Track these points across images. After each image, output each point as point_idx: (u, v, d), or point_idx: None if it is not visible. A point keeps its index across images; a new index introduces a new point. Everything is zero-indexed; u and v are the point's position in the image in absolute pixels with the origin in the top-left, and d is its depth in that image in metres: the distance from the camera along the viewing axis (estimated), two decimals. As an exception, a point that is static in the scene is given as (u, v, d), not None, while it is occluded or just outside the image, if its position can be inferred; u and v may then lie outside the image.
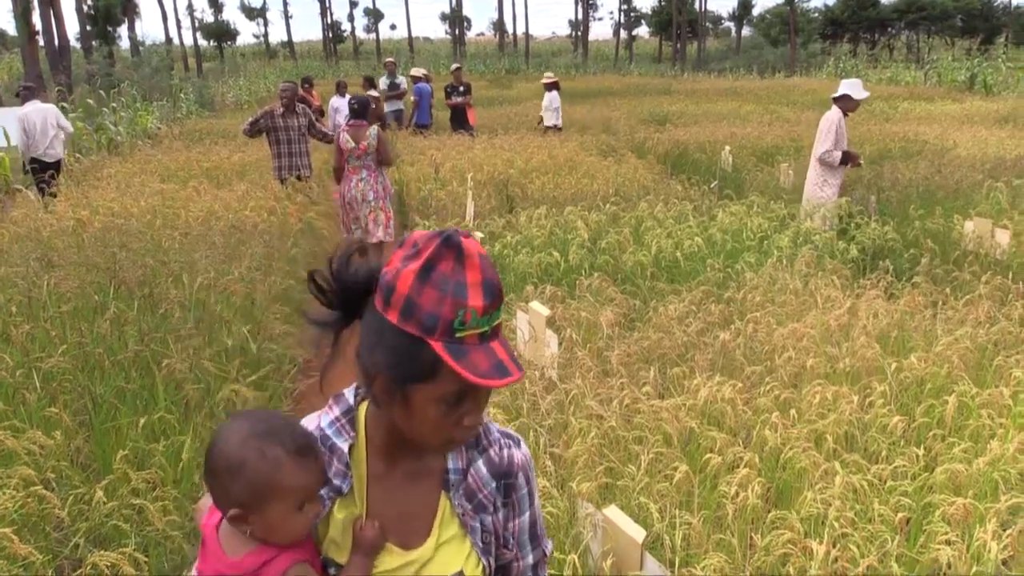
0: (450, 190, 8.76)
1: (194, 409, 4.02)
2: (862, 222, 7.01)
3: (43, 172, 9.79)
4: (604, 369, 3.90)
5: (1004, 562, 2.98)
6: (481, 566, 1.30)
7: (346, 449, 1.26)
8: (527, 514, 1.36)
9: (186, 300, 5.17)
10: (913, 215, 7.31)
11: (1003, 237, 6.44)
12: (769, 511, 2.93)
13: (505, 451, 1.32)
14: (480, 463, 1.30)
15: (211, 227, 7.09)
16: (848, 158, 7.61)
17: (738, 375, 3.88)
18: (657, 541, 2.75)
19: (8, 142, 11.84)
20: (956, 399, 3.73)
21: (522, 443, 1.36)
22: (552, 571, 2.65)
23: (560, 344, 4.11)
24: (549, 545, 1.43)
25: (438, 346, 1.08)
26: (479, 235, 5.94)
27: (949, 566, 2.75)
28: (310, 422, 1.31)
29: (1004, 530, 2.91)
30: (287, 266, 6.40)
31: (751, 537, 2.85)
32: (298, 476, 1.19)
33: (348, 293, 1.19)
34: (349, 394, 1.30)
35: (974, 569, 2.68)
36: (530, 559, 1.39)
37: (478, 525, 1.29)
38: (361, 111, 7.35)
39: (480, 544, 1.30)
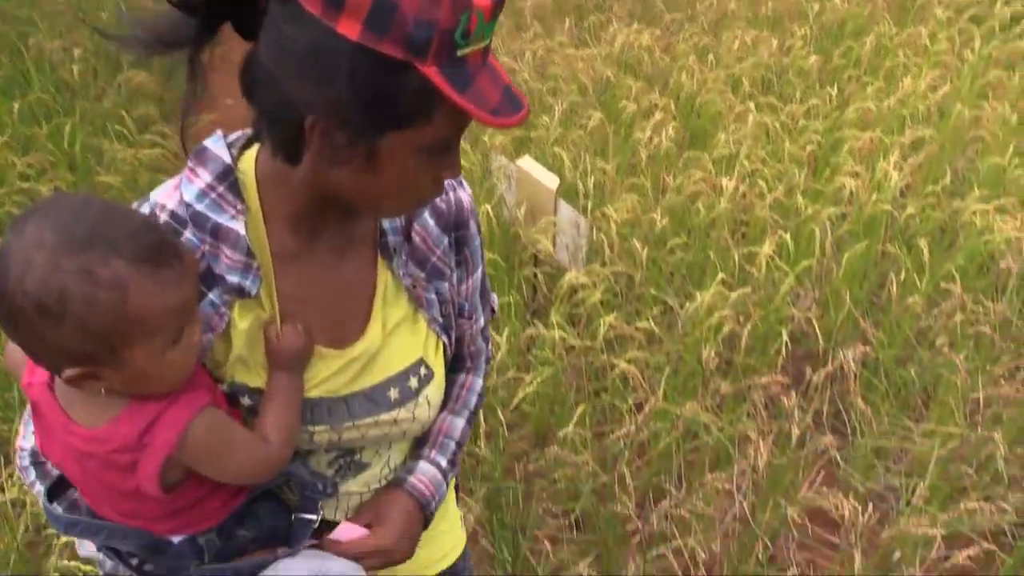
0: None
1: (78, 92, 3.71)
2: None
3: None
4: (516, 23, 3.67)
5: (902, 192, 3.11)
6: (440, 347, 1.00)
7: (241, 230, 0.84)
8: (480, 268, 1.06)
9: (47, -27, 4.58)
10: None
11: None
12: (682, 155, 2.93)
13: (452, 195, 0.97)
14: (426, 216, 0.95)
15: None
16: None
17: (657, 23, 3.71)
18: (571, 188, 2.75)
19: None
20: (875, 39, 3.66)
21: (464, 182, 1.02)
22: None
23: None
24: (495, 299, 1.18)
25: (433, 72, 0.71)
26: None
27: (852, 196, 2.84)
28: (164, 197, 0.85)
29: (905, 161, 2.99)
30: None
31: (664, 179, 2.87)
32: (158, 296, 0.74)
33: None
34: (216, 146, 0.85)
35: (874, 197, 2.78)
36: (482, 320, 1.12)
37: (434, 297, 0.97)
38: None
39: (439, 320, 0.98)
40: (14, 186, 2.97)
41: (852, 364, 2.18)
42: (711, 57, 3.41)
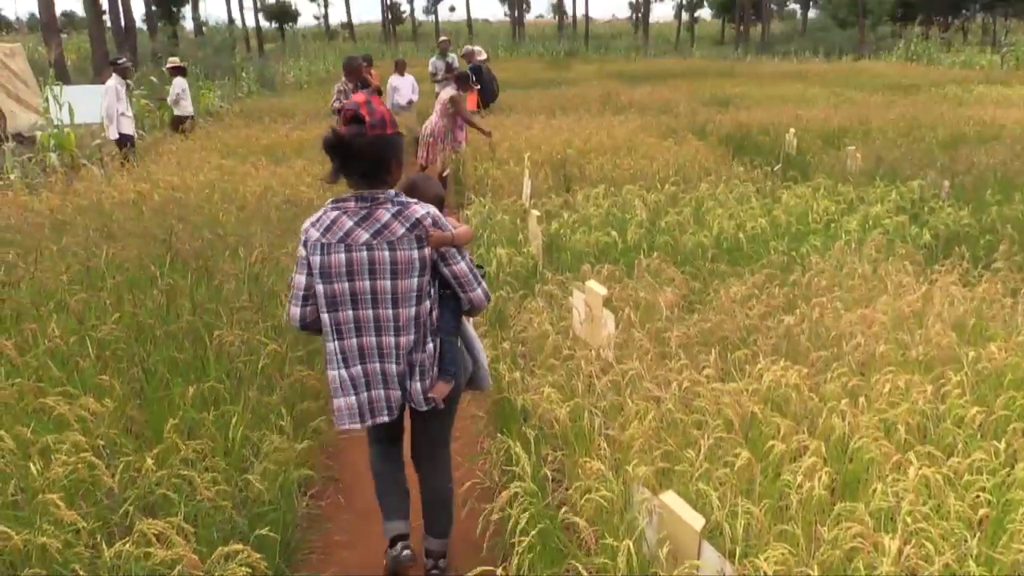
0: (507, 169, 8.65)
1: (245, 381, 4.00)
2: (936, 207, 6.69)
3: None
4: (662, 351, 3.76)
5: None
6: None
7: None
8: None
9: (240, 273, 5.17)
10: (990, 200, 6.95)
11: (1089, 224, 6.09)
12: (835, 503, 2.77)
13: None
14: None
15: (267, 202, 7.11)
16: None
17: (803, 361, 3.71)
18: (716, 530, 2.62)
19: (73, 118, 12.09)
20: (1040, 394, 3.50)
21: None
22: (605, 559, 2.55)
23: (617, 325, 3.98)
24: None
25: None
26: (536, 213, 5.82)
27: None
28: None
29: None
30: (341, 242, 6.37)
31: (816, 529, 2.70)
32: None
33: None
34: None
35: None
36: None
37: None
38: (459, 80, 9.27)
39: None
40: (174, 469, 3.12)
41: None
42: (861, 400, 3.34)
